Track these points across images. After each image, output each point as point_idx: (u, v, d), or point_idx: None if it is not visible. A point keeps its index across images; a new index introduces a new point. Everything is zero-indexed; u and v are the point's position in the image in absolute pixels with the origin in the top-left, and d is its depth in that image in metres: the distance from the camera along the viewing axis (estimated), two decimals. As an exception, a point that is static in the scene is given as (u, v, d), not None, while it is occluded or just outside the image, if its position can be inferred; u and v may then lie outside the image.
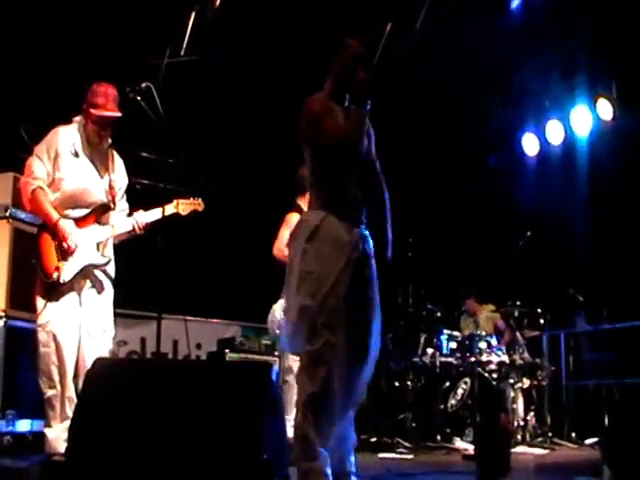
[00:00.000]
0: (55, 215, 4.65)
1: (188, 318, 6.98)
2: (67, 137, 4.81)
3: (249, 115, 8.82)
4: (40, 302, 4.65)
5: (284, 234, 5.87)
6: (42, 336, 4.62)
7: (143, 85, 4.79)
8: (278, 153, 8.94)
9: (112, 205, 4.89)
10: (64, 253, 4.65)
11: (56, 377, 4.55)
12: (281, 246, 5.86)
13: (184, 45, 7.80)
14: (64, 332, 4.64)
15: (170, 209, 5.01)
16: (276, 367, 7.44)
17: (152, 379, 3.37)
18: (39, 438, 4.78)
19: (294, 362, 5.51)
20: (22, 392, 5.40)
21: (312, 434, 3.65)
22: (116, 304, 4.97)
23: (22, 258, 5.43)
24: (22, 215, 5.62)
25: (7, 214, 5.66)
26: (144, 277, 4.82)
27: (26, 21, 7.13)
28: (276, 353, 7.81)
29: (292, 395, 5.41)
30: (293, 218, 5.92)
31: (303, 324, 3.79)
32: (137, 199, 5.19)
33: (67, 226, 4.67)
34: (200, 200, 5.19)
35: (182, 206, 5.07)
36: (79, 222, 4.74)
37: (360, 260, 3.96)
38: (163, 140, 4.97)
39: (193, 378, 3.39)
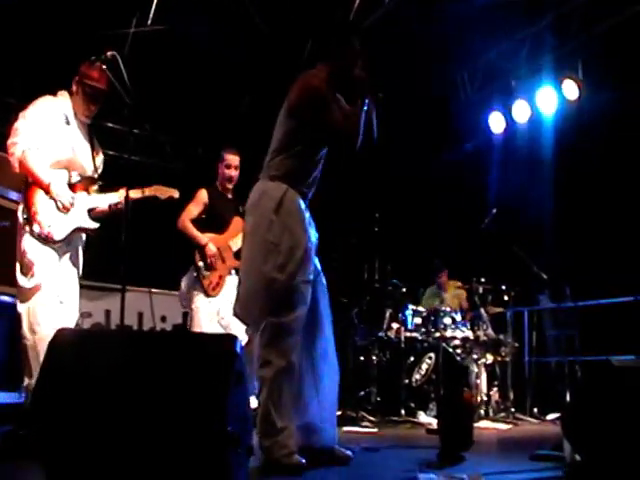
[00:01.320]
0: (47, 178, 4.64)
1: (153, 290, 6.95)
2: (58, 105, 4.84)
3: (216, 86, 8.74)
4: (29, 262, 4.58)
5: (191, 209, 6.20)
6: (39, 299, 4.57)
7: (109, 54, 4.73)
8: (244, 127, 8.90)
9: (98, 179, 4.99)
10: (59, 209, 4.67)
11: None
12: (186, 221, 6.19)
13: (151, 15, 7.72)
14: (66, 295, 4.70)
15: (150, 191, 5.10)
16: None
17: (115, 350, 3.33)
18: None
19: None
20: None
21: (273, 410, 3.69)
22: (82, 276, 4.96)
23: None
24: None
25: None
26: (108, 249, 4.78)
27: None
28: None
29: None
30: (200, 194, 6.24)
31: (267, 295, 3.81)
32: (105, 171, 5.17)
33: (61, 186, 4.69)
34: (176, 190, 5.26)
35: (161, 191, 5.16)
36: (71, 188, 4.79)
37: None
38: (129, 110, 4.91)
39: (157, 349, 3.36)
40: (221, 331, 6.05)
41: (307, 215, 4.04)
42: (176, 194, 5.24)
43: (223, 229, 6.28)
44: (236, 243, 6.15)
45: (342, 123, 3.99)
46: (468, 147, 10.37)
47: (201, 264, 6.16)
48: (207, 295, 6.12)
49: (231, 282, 6.12)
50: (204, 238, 6.18)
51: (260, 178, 4.10)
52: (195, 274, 6.16)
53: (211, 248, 6.18)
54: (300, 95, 4.00)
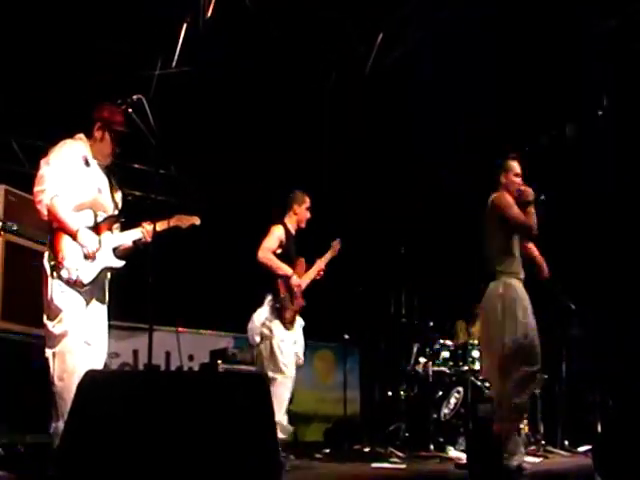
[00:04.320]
0: (75, 225, 4.68)
1: (180, 329, 6.99)
2: (77, 148, 4.87)
3: (240, 127, 8.83)
4: (56, 309, 4.61)
5: (271, 242, 6.22)
6: (67, 345, 4.58)
7: (135, 97, 4.82)
8: (269, 165, 8.98)
9: (120, 216, 5.02)
10: (86, 257, 4.70)
11: None
12: (268, 252, 6.18)
13: (176, 56, 7.82)
14: (94, 337, 4.72)
15: (173, 222, 5.11)
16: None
17: (144, 391, 3.37)
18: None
19: (273, 373, 5.91)
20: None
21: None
22: (108, 316, 4.99)
23: (15, 271, 5.44)
24: (15, 228, 5.61)
25: (-1, 227, 5.66)
26: (136, 288, 4.82)
27: (16, 33, 7.13)
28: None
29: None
30: (278, 230, 6.29)
31: None
32: (130, 211, 5.23)
33: (88, 234, 4.72)
34: (197, 216, 5.27)
35: (183, 220, 5.18)
36: (94, 229, 4.81)
37: None
38: (154, 152, 4.99)
39: (185, 390, 3.38)
40: (294, 363, 6.13)
41: None
42: (197, 221, 5.24)
43: (293, 267, 6.33)
44: (304, 282, 6.35)
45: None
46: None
47: (284, 296, 6.17)
48: (286, 328, 6.12)
49: (299, 323, 6.32)
50: (289, 269, 6.23)
51: None
52: (278, 305, 6.15)
53: (296, 279, 6.24)
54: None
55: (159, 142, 4.83)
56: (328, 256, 6.62)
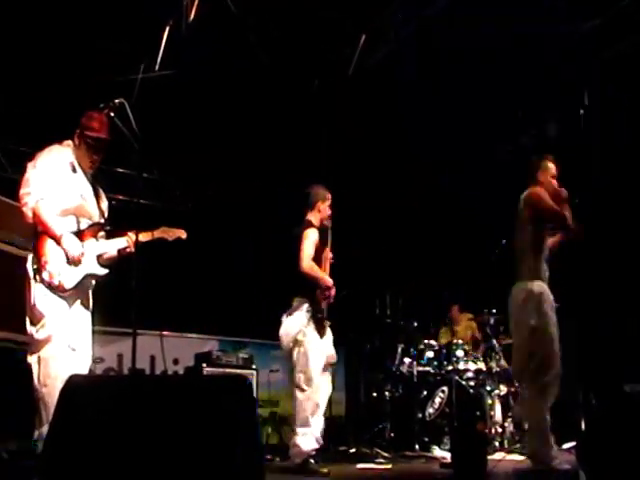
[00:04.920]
0: (59, 229, 4.69)
1: (164, 333, 6.98)
2: (64, 154, 4.90)
3: (225, 129, 8.83)
4: (39, 314, 4.61)
5: (310, 249, 6.09)
6: (50, 350, 4.59)
7: (117, 101, 4.83)
8: (254, 167, 8.98)
9: (105, 224, 5.03)
10: (70, 262, 4.70)
11: None
12: (310, 262, 6.07)
13: (158, 60, 7.81)
14: (78, 342, 4.71)
15: (157, 234, 5.12)
16: (252, 380, 7.55)
17: (127, 396, 3.37)
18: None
19: (303, 383, 5.90)
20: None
21: None
22: (93, 321, 4.99)
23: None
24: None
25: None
26: (119, 293, 4.82)
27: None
28: (253, 367, 7.87)
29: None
30: (313, 234, 6.16)
31: None
32: (114, 215, 5.23)
33: (72, 238, 4.73)
34: (183, 230, 5.27)
35: (169, 232, 5.18)
36: (77, 236, 4.81)
37: None
38: (137, 156, 4.99)
39: (170, 394, 3.39)
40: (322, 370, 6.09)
41: None
42: (183, 235, 5.24)
43: (322, 266, 6.27)
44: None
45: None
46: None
47: (323, 305, 6.11)
48: (321, 336, 6.08)
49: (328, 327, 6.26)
50: (330, 280, 6.15)
51: None
52: (319, 315, 6.08)
53: (334, 290, 6.16)
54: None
55: (142, 146, 4.84)
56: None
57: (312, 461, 5.88)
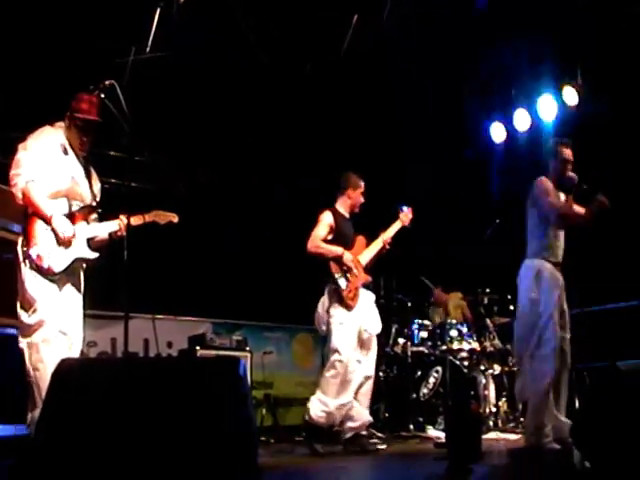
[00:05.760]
0: (49, 210, 4.68)
1: (157, 316, 6.97)
2: (56, 136, 4.89)
3: (215, 112, 8.79)
4: (31, 299, 4.60)
5: (320, 230, 6.22)
6: (42, 335, 4.58)
7: (107, 83, 4.82)
8: (246, 150, 8.95)
9: (97, 207, 5.02)
10: (60, 243, 4.70)
11: None
12: (317, 241, 6.17)
13: (149, 42, 7.75)
14: (69, 326, 4.70)
15: (149, 217, 5.11)
16: (245, 362, 7.55)
17: (119, 378, 3.37)
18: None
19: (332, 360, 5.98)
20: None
21: None
22: (85, 305, 4.98)
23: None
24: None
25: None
26: (111, 276, 4.81)
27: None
28: (247, 348, 7.87)
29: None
30: (326, 216, 6.28)
31: None
32: (105, 198, 5.20)
33: (62, 219, 4.72)
34: (175, 214, 5.26)
35: (161, 216, 5.18)
36: (69, 218, 4.80)
37: None
38: (128, 138, 4.97)
39: (162, 376, 3.39)
40: (362, 351, 6.17)
41: None
42: (175, 219, 5.23)
43: (350, 248, 6.30)
44: (364, 258, 6.34)
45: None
46: (468, 153, 10.37)
47: (338, 275, 6.13)
48: (348, 308, 6.11)
49: (365, 296, 6.31)
50: (339, 248, 6.19)
51: None
52: (335, 287, 6.13)
53: (348, 255, 6.20)
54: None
55: (133, 128, 4.82)
56: (395, 227, 6.59)
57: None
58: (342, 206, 6.45)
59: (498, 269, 8.60)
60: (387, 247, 6.50)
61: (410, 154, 10.13)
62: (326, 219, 6.28)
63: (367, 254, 6.39)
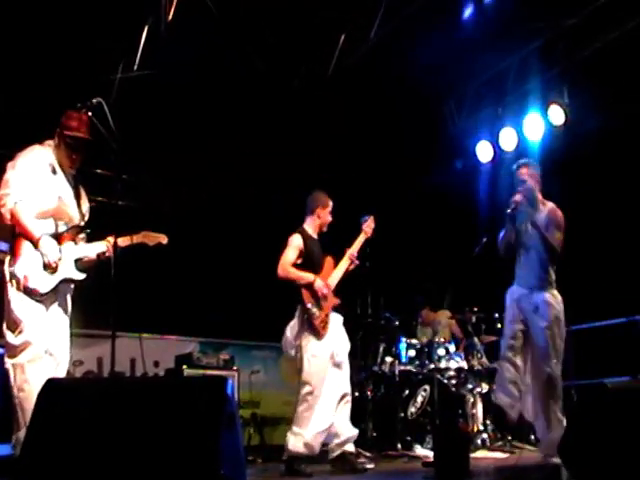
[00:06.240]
0: (37, 232, 4.66)
1: (144, 335, 6.93)
2: (45, 155, 4.87)
3: (203, 130, 8.80)
4: (17, 319, 4.57)
5: (289, 254, 6.09)
6: (27, 355, 4.55)
7: (94, 101, 4.80)
8: (231, 169, 8.96)
9: (86, 227, 5.00)
10: (46, 266, 4.66)
11: None
12: (287, 266, 6.05)
13: (137, 60, 7.76)
14: (56, 346, 4.68)
15: (137, 239, 5.08)
16: (232, 381, 7.51)
17: (105, 398, 3.35)
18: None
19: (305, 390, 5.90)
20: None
21: None
22: (71, 324, 4.95)
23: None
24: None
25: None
26: (98, 295, 4.79)
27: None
28: (234, 367, 7.84)
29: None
30: (295, 239, 6.16)
31: None
32: (92, 217, 5.19)
33: (49, 243, 4.69)
34: (164, 235, 5.22)
35: (150, 237, 5.15)
36: (56, 239, 4.77)
37: None
38: (115, 156, 4.95)
39: (148, 395, 3.37)
40: (335, 372, 6.07)
41: None
42: (165, 240, 5.19)
43: (319, 270, 6.22)
44: (333, 280, 6.23)
45: None
46: (458, 166, 10.41)
47: (310, 305, 6.02)
48: (318, 337, 6.01)
49: (334, 319, 6.18)
50: (310, 275, 6.08)
51: None
52: (305, 316, 6.03)
53: (319, 283, 6.08)
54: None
55: (120, 146, 4.81)
56: (359, 241, 6.42)
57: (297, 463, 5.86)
58: (310, 226, 6.34)
59: (486, 287, 8.64)
60: (355, 262, 6.39)
61: (398, 170, 10.16)
62: (295, 242, 6.17)
63: (335, 275, 6.27)
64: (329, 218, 6.37)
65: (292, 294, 6.11)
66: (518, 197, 6.06)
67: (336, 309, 6.29)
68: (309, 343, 5.99)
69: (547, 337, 5.87)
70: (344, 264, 6.33)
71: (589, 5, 7.60)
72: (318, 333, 6.00)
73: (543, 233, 6.06)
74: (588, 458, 3.76)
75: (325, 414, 5.93)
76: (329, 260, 6.32)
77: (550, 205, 6.20)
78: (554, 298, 5.98)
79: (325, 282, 6.16)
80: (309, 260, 6.17)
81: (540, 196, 6.24)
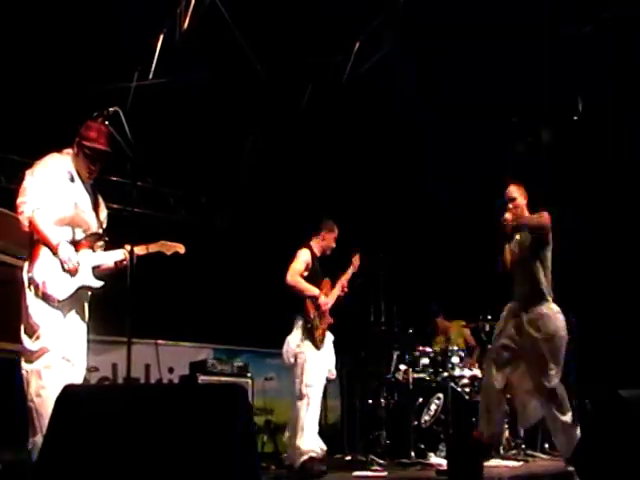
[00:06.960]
0: (55, 239, 4.67)
1: (159, 342, 6.95)
2: (63, 163, 4.88)
3: (218, 137, 8.84)
4: (34, 325, 4.58)
5: (299, 265, 6.48)
6: (44, 361, 4.58)
7: (111, 110, 4.82)
8: (248, 176, 8.98)
9: (103, 235, 5.00)
10: (66, 272, 4.68)
11: None
12: (296, 276, 6.42)
13: (152, 68, 7.81)
14: (72, 353, 4.70)
15: (154, 247, 5.08)
16: (248, 388, 7.58)
17: (122, 405, 3.36)
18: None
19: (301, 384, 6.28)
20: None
21: None
22: (88, 330, 4.97)
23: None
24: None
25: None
26: (114, 302, 4.80)
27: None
28: (248, 375, 7.89)
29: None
30: (304, 254, 6.54)
31: None
32: (108, 224, 5.21)
33: (68, 248, 4.70)
34: (181, 245, 5.23)
35: (167, 247, 5.14)
36: (75, 245, 4.79)
37: None
38: (132, 164, 4.98)
39: (164, 402, 3.38)
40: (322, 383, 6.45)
41: None
42: (182, 249, 5.18)
43: (319, 288, 6.56)
44: (330, 301, 6.57)
45: None
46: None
47: (314, 316, 6.42)
48: (317, 348, 6.37)
49: (329, 338, 6.57)
50: (316, 289, 6.48)
51: None
52: (309, 326, 6.39)
53: (324, 299, 6.50)
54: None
55: (136, 154, 4.83)
56: (349, 272, 6.85)
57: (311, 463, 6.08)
58: (315, 246, 6.71)
59: (500, 296, 8.63)
60: (345, 290, 6.79)
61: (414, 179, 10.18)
62: (304, 256, 6.55)
63: (331, 298, 6.63)
64: (333, 244, 6.77)
65: (293, 304, 6.48)
66: (508, 216, 6.03)
67: (329, 328, 6.62)
68: (309, 352, 6.34)
69: (543, 350, 5.78)
70: (336, 291, 6.71)
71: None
72: (317, 345, 6.37)
73: (528, 250, 6.03)
74: (602, 467, 3.76)
75: (316, 419, 6.30)
76: (327, 282, 6.69)
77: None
78: (550, 310, 5.92)
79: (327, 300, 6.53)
80: (313, 276, 6.55)
81: (527, 213, 6.16)
